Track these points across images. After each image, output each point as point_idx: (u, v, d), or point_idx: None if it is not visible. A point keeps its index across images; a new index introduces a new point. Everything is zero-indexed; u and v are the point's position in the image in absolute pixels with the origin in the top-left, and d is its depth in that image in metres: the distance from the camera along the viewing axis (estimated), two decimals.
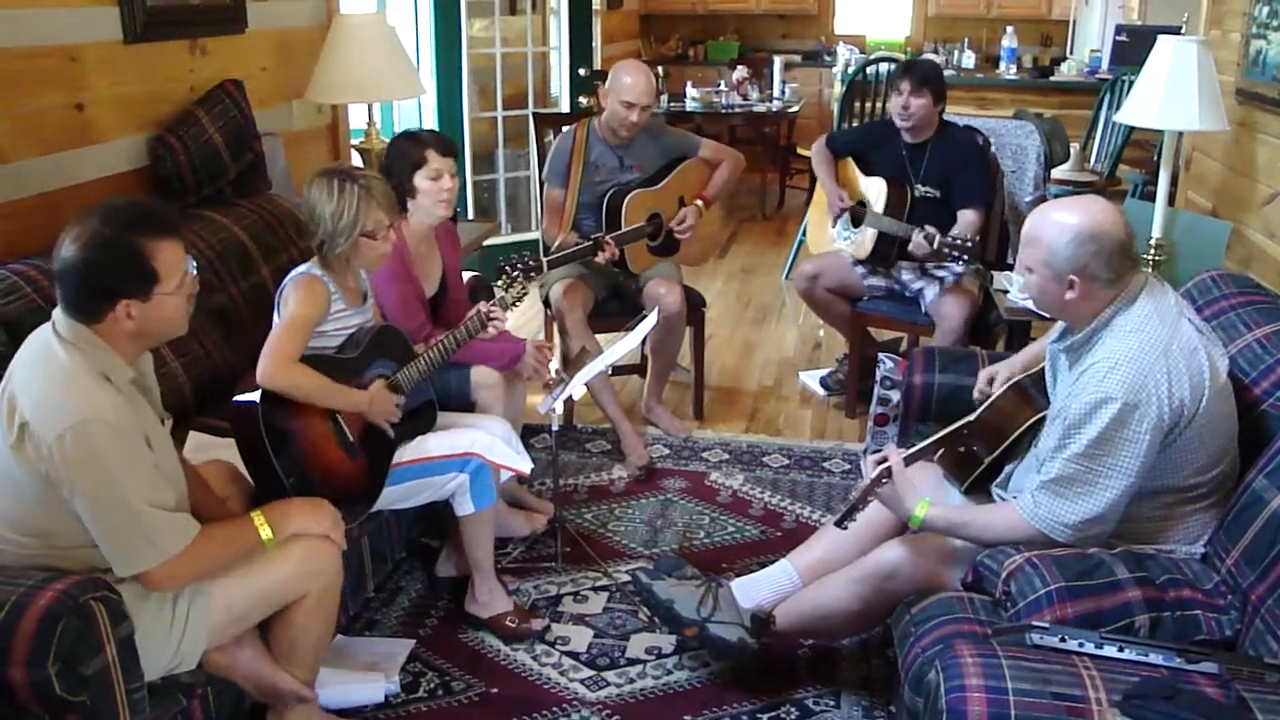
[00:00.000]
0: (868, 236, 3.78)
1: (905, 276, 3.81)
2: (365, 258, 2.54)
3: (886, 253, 3.76)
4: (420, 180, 2.84)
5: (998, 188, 3.89)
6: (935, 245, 3.39)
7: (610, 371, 3.70)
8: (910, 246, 3.52)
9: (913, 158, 3.75)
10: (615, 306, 3.79)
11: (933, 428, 2.49)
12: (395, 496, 2.57)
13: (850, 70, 6.49)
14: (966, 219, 3.64)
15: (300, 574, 2.06)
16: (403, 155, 2.85)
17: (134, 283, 1.82)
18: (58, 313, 1.85)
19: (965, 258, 3.37)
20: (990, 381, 2.49)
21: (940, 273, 3.71)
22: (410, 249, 2.88)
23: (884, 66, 5.90)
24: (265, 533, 2.01)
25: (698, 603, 2.40)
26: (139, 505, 1.79)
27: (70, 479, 1.76)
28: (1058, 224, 2.01)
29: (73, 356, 1.81)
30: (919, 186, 3.73)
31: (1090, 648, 1.74)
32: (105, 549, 1.82)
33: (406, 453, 2.56)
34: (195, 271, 1.93)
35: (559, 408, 2.96)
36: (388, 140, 3.69)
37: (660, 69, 7.22)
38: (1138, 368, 1.94)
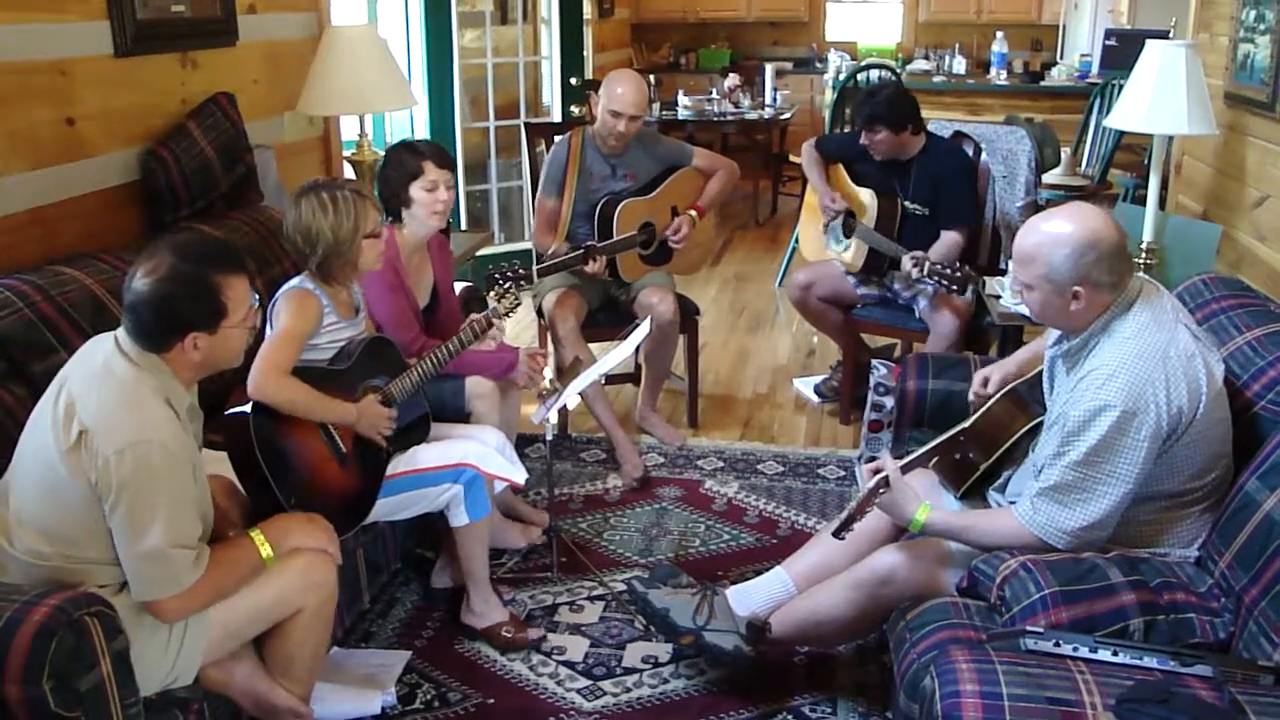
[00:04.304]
0: (859, 249, 3.78)
1: (897, 286, 3.81)
2: (369, 258, 2.54)
3: (878, 265, 3.76)
4: (416, 191, 2.84)
5: (988, 195, 3.89)
6: (925, 271, 3.38)
7: (604, 380, 3.70)
8: (901, 268, 3.52)
9: (900, 176, 3.74)
10: (608, 316, 3.79)
11: (927, 434, 2.50)
12: (389, 508, 2.56)
13: (841, 77, 6.49)
14: (949, 239, 3.63)
15: (297, 589, 2.06)
16: (399, 165, 2.85)
17: (204, 317, 1.88)
18: (122, 334, 1.88)
19: (955, 288, 3.33)
20: (985, 383, 2.47)
21: (929, 284, 3.70)
22: (403, 260, 2.88)
23: (875, 73, 5.92)
24: (266, 551, 2.03)
25: (693, 611, 2.40)
26: (168, 539, 1.81)
27: (117, 494, 1.78)
28: (1052, 237, 1.99)
29: (139, 375, 1.85)
30: (907, 204, 3.73)
31: (1085, 652, 1.74)
32: (128, 570, 1.84)
33: (400, 464, 2.55)
34: (257, 304, 1.99)
35: (553, 417, 2.96)
36: (380, 151, 3.70)
37: (652, 77, 7.22)
38: (1136, 375, 1.94)
